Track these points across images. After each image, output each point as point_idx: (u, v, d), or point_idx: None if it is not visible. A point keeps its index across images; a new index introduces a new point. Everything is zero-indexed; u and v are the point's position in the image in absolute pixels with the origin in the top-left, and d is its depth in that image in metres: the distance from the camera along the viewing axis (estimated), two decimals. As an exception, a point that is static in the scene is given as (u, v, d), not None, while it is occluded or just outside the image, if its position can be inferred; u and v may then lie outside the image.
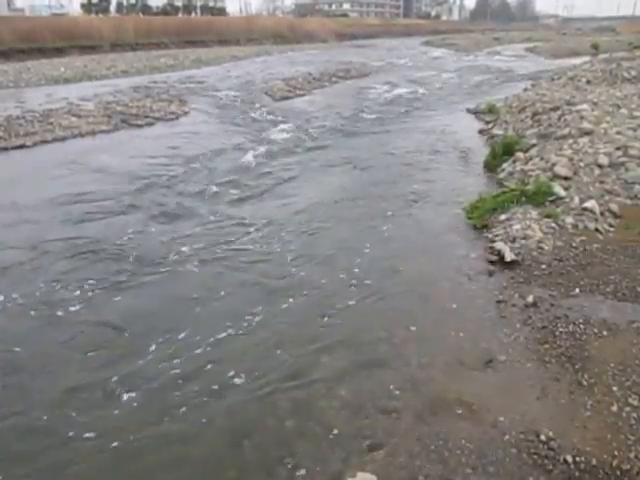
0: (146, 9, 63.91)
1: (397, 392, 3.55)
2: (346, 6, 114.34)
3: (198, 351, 4.10)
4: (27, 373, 3.88)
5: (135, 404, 3.55)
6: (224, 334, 4.35)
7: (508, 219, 6.08)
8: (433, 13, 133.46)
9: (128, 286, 5.16)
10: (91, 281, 5.22)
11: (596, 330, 3.93)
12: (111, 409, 3.50)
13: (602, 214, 5.89)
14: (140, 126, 13.32)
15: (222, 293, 5.03)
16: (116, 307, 4.79)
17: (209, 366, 3.92)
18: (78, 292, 5.02)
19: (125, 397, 3.61)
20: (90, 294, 4.99)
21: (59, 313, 4.66)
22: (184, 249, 5.97)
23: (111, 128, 12.89)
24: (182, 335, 4.31)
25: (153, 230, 6.62)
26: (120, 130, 12.90)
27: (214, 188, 8.20)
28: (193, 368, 3.89)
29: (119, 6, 64.87)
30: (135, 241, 6.23)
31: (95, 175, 9.01)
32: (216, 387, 3.70)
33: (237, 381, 3.75)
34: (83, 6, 62.11)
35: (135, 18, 48.85)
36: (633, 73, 14.94)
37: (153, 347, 4.14)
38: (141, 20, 47.05)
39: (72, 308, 4.74)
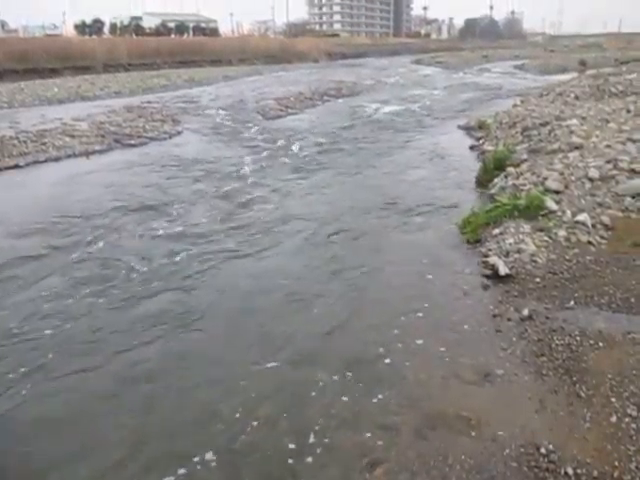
0: (139, 30, 64.48)
1: (395, 408, 3.53)
2: (337, 26, 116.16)
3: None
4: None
5: None
6: (220, 364, 4.34)
7: (501, 233, 6.11)
8: (423, 32, 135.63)
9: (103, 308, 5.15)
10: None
11: (592, 342, 3.94)
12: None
13: (594, 226, 5.94)
14: (133, 146, 13.35)
15: (221, 318, 5.02)
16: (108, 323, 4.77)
17: (201, 390, 3.89)
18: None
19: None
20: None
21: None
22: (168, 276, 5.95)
23: (105, 148, 12.91)
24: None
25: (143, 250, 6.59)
26: (114, 150, 12.92)
27: (207, 207, 8.22)
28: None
29: (112, 27, 65.45)
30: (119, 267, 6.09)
31: (87, 195, 8.97)
32: (207, 415, 3.66)
33: (232, 401, 3.72)
34: (77, 27, 62.69)
35: (128, 39, 49.27)
36: (620, 88, 15.18)
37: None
38: (134, 41, 47.43)
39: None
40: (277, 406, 3.64)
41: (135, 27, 66.20)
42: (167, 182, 9.76)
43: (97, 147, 12.83)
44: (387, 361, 4.07)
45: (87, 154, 12.34)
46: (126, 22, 69.26)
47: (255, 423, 3.49)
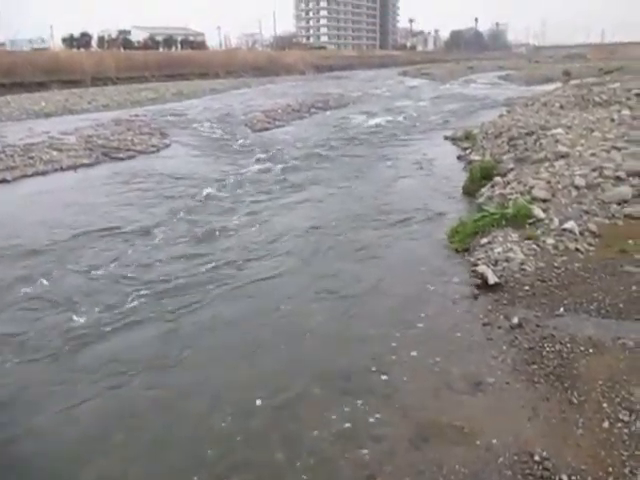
0: (127, 44, 64.52)
1: (389, 419, 3.52)
2: (324, 39, 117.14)
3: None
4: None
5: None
6: (214, 366, 4.31)
7: (489, 242, 6.14)
8: (409, 44, 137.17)
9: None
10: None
11: (582, 348, 3.96)
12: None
13: (582, 234, 5.99)
14: (121, 159, 13.31)
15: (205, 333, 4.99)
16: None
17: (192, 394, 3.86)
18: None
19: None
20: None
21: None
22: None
23: (92, 161, 12.86)
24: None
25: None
26: (101, 163, 12.88)
27: (193, 218, 8.20)
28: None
29: (100, 41, 65.43)
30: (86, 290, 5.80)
31: (74, 210, 8.89)
32: (202, 430, 3.62)
33: (225, 418, 3.68)
34: (64, 41, 62.54)
35: (116, 52, 49.30)
36: (604, 97, 15.41)
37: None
38: (122, 54, 47.51)
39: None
40: (270, 418, 3.62)
41: (123, 40, 66.25)
42: (150, 200, 9.46)
43: (85, 161, 12.78)
44: (380, 372, 4.06)
45: (75, 168, 12.28)
46: (114, 35, 69.34)
47: (248, 435, 3.47)
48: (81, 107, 23.98)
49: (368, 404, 3.68)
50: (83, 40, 62.68)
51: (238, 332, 4.87)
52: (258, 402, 3.78)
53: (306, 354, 4.43)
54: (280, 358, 4.38)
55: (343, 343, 4.58)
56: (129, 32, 74.07)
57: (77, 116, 21.35)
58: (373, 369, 4.11)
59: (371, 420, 3.52)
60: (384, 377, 3.99)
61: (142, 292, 5.66)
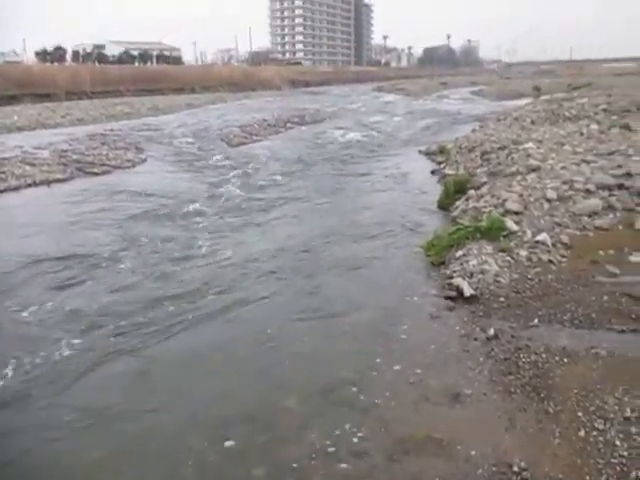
0: (102, 58, 64.08)
1: (368, 434, 3.50)
2: (299, 54, 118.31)
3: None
4: None
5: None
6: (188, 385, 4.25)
7: (464, 255, 6.21)
8: (383, 60, 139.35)
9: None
10: None
11: (557, 358, 4.03)
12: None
13: (554, 245, 6.11)
14: (96, 174, 13.15)
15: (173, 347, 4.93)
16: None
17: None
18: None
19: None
20: None
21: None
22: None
23: (67, 177, 12.67)
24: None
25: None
26: (76, 179, 12.70)
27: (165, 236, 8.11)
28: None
29: (75, 55, 64.85)
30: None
31: (33, 231, 8.50)
32: (178, 447, 3.57)
33: (203, 435, 3.64)
34: (38, 54, 61.80)
35: (91, 67, 48.90)
36: (573, 112, 15.86)
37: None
38: (97, 68, 47.19)
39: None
40: (248, 435, 3.58)
41: (98, 55, 65.78)
42: (119, 220, 8.99)
43: (59, 176, 12.58)
44: (359, 387, 4.05)
45: (48, 183, 12.08)
46: (89, 50, 68.78)
47: (225, 453, 3.42)
48: (55, 121, 23.65)
49: (348, 419, 3.66)
50: (57, 54, 62.03)
51: (216, 351, 4.78)
52: (236, 419, 3.75)
53: (285, 371, 4.39)
54: (258, 375, 4.34)
55: (322, 358, 4.56)
56: (104, 46, 73.48)
57: (51, 130, 21.04)
58: (353, 384, 4.09)
59: (351, 435, 3.50)
60: (364, 391, 3.98)
61: (97, 331, 5.07)
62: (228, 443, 3.50)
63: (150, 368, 4.50)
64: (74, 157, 14.47)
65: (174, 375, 4.42)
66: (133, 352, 4.72)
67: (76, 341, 4.89)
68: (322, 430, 3.57)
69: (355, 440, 3.46)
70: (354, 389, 4.03)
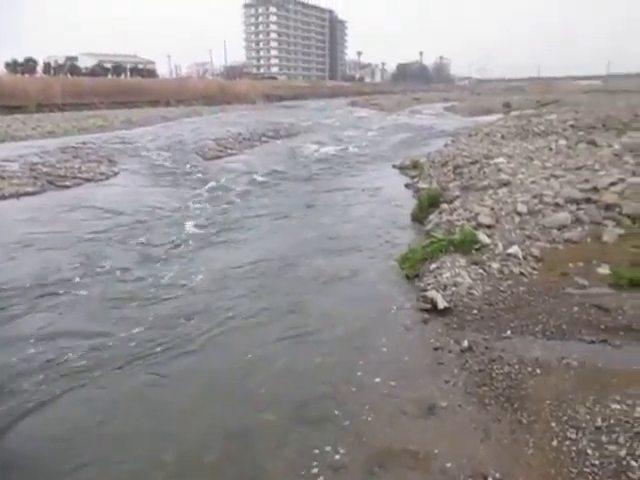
0: (74, 70, 63.36)
1: (344, 448, 3.49)
2: (274, 69, 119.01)
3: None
4: None
5: None
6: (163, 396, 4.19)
7: (438, 268, 6.27)
8: (357, 76, 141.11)
9: None
10: None
11: (530, 369, 4.09)
12: None
13: (525, 258, 6.24)
14: (68, 187, 12.95)
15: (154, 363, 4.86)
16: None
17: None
18: None
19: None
20: None
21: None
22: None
23: (37, 189, 12.43)
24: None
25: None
26: (47, 191, 12.47)
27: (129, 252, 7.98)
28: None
29: (46, 67, 63.99)
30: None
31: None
32: (153, 464, 3.51)
33: (178, 444, 3.58)
34: (8, 65, 60.83)
35: (63, 78, 48.34)
36: (542, 128, 16.29)
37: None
38: (69, 80, 46.67)
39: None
40: (224, 450, 3.54)
41: (70, 67, 65.03)
42: (82, 238, 8.56)
43: (29, 189, 12.34)
44: (335, 400, 4.04)
45: (17, 196, 11.83)
46: (61, 62, 67.98)
47: (202, 467, 3.38)
48: (25, 133, 23.26)
49: (324, 433, 3.65)
50: (28, 66, 61.19)
51: (193, 373, 4.68)
52: (214, 436, 3.70)
53: (264, 388, 4.33)
54: (236, 394, 4.29)
55: (298, 374, 4.54)
56: (76, 58, 72.83)
57: (21, 143, 20.67)
58: (329, 398, 4.08)
59: (327, 449, 3.49)
60: (341, 405, 3.98)
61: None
62: (205, 460, 3.46)
63: (126, 391, 4.41)
64: (45, 170, 14.24)
65: (147, 398, 4.30)
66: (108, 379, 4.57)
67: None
68: (300, 445, 3.55)
69: (331, 454, 3.44)
70: (332, 403, 4.02)
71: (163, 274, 6.96)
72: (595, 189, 7.84)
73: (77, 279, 6.79)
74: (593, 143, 12.21)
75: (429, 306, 5.45)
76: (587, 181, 8.26)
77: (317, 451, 3.47)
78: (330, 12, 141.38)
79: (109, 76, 64.19)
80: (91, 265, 7.33)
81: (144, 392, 4.33)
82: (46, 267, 7.22)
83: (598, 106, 23.06)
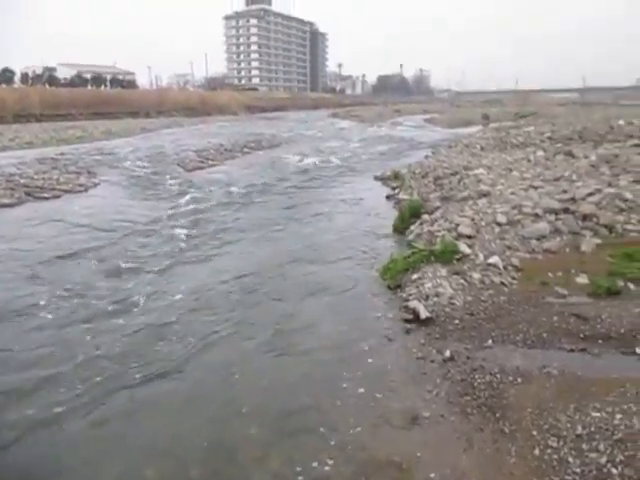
0: (53, 80, 62.74)
1: (328, 459, 3.48)
2: (255, 80, 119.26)
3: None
4: None
5: None
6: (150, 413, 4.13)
7: (420, 278, 6.30)
8: (338, 87, 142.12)
9: None
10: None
11: (511, 378, 4.13)
12: None
13: (505, 268, 6.31)
14: (46, 199, 12.76)
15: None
16: None
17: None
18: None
19: None
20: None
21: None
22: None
23: (14, 201, 12.21)
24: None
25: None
26: (24, 203, 12.27)
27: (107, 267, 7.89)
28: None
29: (24, 77, 63.27)
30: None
31: None
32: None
33: (159, 464, 3.53)
34: (-16, 76, 60.10)
35: (41, 89, 47.85)
36: (520, 140, 16.58)
37: None
38: (48, 91, 46.25)
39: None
40: (208, 464, 3.50)
41: (49, 77, 64.39)
42: (54, 255, 8.15)
43: (6, 200, 12.12)
44: (319, 411, 4.04)
45: (-6, 208, 11.63)
46: (39, 72, 67.26)
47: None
48: (2, 144, 22.93)
49: (309, 445, 3.64)
50: (5, 76, 60.50)
51: (175, 386, 4.62)
52: (199, 449, 3.66)
53: (249, 402, 4.28)
54: (218, 405, 4.26)
55: (282, 386, 4.52)
56: (55, 69, 72.04)
57: (-3, 154, 20.38)
58: (313, 409, 4.07)
59: (312, 461, 3.47)
60: (324, 417, 3.97)
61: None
62: (190, 474, 3.42)
63: (106, 407, 4.34)
64: (22, 181, 14.03)
65: (128, 414, 4.22)
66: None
67: None
68: (284, 458, 3.53)
69: (315, 466, 3.42)
70: (313, 413, 4.02)
71: (138, 291, 6.65)
72: (573, 200, 7.98)
73: (39, 301, 6.34)
74: (570, 154, 12.45)
75: (411, 316, 5.47)
76: (565, 192, 8.40)
77: (302, 463, 3.45)
78: (311, 24, 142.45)
79: (88, 87, 63.68)
80: (53, 284, 6.93)
81: (126, 408, 4.26)
82: (10, 285, 6.89)
83: (575, 118, 23.56)
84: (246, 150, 23.66)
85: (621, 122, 17.54)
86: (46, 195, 13.01)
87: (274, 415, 4.04)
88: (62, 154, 19.75)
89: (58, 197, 13.07)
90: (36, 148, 22.55)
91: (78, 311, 6.10)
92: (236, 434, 3.83)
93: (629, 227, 7.16)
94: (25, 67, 68.72)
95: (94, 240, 9.12)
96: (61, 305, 6.28)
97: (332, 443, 3.64)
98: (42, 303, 6.32)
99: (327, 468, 3.40)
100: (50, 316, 5.98)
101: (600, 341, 4.61)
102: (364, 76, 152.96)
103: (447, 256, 6.69)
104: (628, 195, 7.90)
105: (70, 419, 4.07)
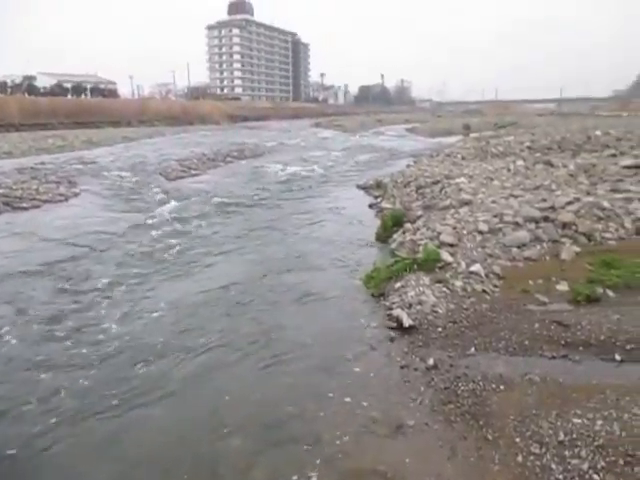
0: (33, 90, 62.02)
1: (314, 470, 3.47)
2: (238, 90, 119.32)
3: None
4: None
5: None
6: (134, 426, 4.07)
7: (403, 286, 6.33)
8: (320, 97, 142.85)
9: None
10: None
11: (494, 385, 4.16)
12: None
13: (487, 276, 6.37)
14: (25, 209, 12.59)
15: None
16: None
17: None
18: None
19: None
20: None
21: None
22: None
23: (-9, 211, 12.05)
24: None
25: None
26: (3, 214, 12.08)
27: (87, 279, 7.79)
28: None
29: (2, 86, 62.45)
30: None
31: None
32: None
33: (147, 469, 3.48)
34: (-39, 84, 59.23)
35: (20, 98, 47.23)
36: (501, 149, 16.80)
37: None
38: (27, 100, 45.68)
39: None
40: (190, 477, 3.45)
41: (28, 86, 63.63)
42: (27, 270, 7.85)
43: (-18, 211, 11.94)
44: (303, 421, 4.02)
45: (-30, 218, 11.42)
46: (18, 81, 66.44)
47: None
48: (-21, 154, 22.59)
49: (295, 455, 3.61)
50: (-18, 85, 59.71)
51: (157, 399, 4.58)
52: (183, 460, 3.62)
53: (231, 411, 4.28)
54: (202, 417, 4.22)
55: (267, 396, 4.48)
56: (35, 78, 71.20)
57: (-25, 163, 20.03)
58: (295, 418, 4.06)
59: (295, 471, 3.45)
60: (306, 425, 3.95)
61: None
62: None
63: (93, 423, 4.27)
64: (1, 191, 13.80)
65: (112, 429, 4.17)
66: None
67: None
68: (270, 469, 3.51)
69: (300, 477, 3.40)
70: (297, 423, 4.00)
71: (112, 308, 6.45)
72: (552, 208, 8.09)
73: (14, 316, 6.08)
74: (549, 164, 12.66)
75: (395, 324, 5.49)
76: (545, 200, 8.51)
77: (286, 475, 3.43)
78: (293, 35, 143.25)
79: (69, 96, 63.05)
80: (23, 302, 6.60)
81: (110, 424, 4.20)
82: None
83: (553, 128, 23.96)
84: (229, 159, 23.61)
85: (598, 132, 17.92)
86: (25, 205, 12.83)
87: (258, 426, 4.01)
88: (42, 163, 19.48)
89: (37, 207, 12.89)
90: (15, 158, 22.21)
91: (38, 332, 5.74)
92: (219, 446, 3.79)
93: (607, 235, 7.29)
94: (3, 76, 67.89)
95: (70, 252, 8.88)
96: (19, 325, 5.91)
97: (318, 453, 3.63)
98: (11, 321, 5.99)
99: (313, 479, 3.38)
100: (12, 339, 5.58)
101: (581, 348, 4.66)
102: (347, 86, 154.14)
103: (430, 264, 6.73)
104: (606, 204, 8.04)
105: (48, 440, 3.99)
